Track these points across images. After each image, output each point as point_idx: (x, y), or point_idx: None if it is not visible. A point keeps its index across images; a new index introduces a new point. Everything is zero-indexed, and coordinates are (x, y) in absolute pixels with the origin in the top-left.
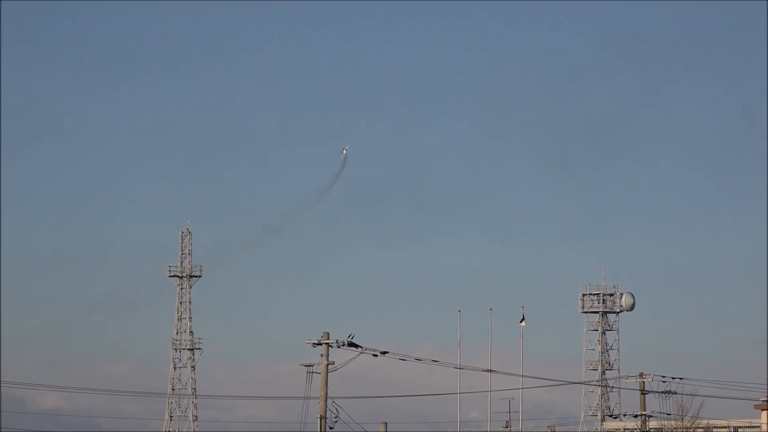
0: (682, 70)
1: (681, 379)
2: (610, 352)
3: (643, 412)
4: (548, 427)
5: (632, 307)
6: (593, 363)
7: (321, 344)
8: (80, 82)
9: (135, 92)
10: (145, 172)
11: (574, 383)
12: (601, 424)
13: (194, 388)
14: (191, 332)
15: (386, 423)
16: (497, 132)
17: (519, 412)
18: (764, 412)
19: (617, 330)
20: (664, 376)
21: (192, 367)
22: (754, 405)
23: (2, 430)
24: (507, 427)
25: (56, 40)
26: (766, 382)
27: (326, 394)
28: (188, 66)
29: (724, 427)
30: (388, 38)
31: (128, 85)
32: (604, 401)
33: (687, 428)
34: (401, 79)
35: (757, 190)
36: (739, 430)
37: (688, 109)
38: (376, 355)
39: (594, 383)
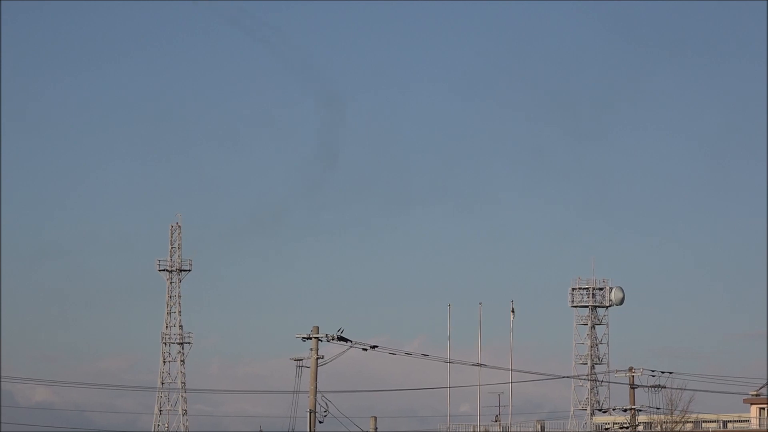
0: (672, 58)
1: (670, 373)
2: (600, 346)
3: (633, 407)
4: (538, 421)
5: (622, 302)
6: (583, 357)
7: (310, 338)
8: (66, 75)
9: (122, 86)
10: (133, 166)
11: (564, 377)
12: (591, 419)
13: (184, 383)
14: (181, 326)
15: (376, 417)
16: (486, 124)
17: (509, 406)
18: (754, 406)
19: (607, 324)
20: (653, 371)
21: (182, 361)
22: (744, 399)
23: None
24: (497, 421)
25: (45, 35)
26: (761, 377)
27: (316, 388)
28: (178, 60)
29: (714, 421)
30: (369, 31)
31: (116, 79)
32: (594, 395)
33: (676, 422)
34: (385, 73)
35: (750, 182)
36: (729, 424)
37: (678, 100)
38: (365, 350)
39: (584, 377)
